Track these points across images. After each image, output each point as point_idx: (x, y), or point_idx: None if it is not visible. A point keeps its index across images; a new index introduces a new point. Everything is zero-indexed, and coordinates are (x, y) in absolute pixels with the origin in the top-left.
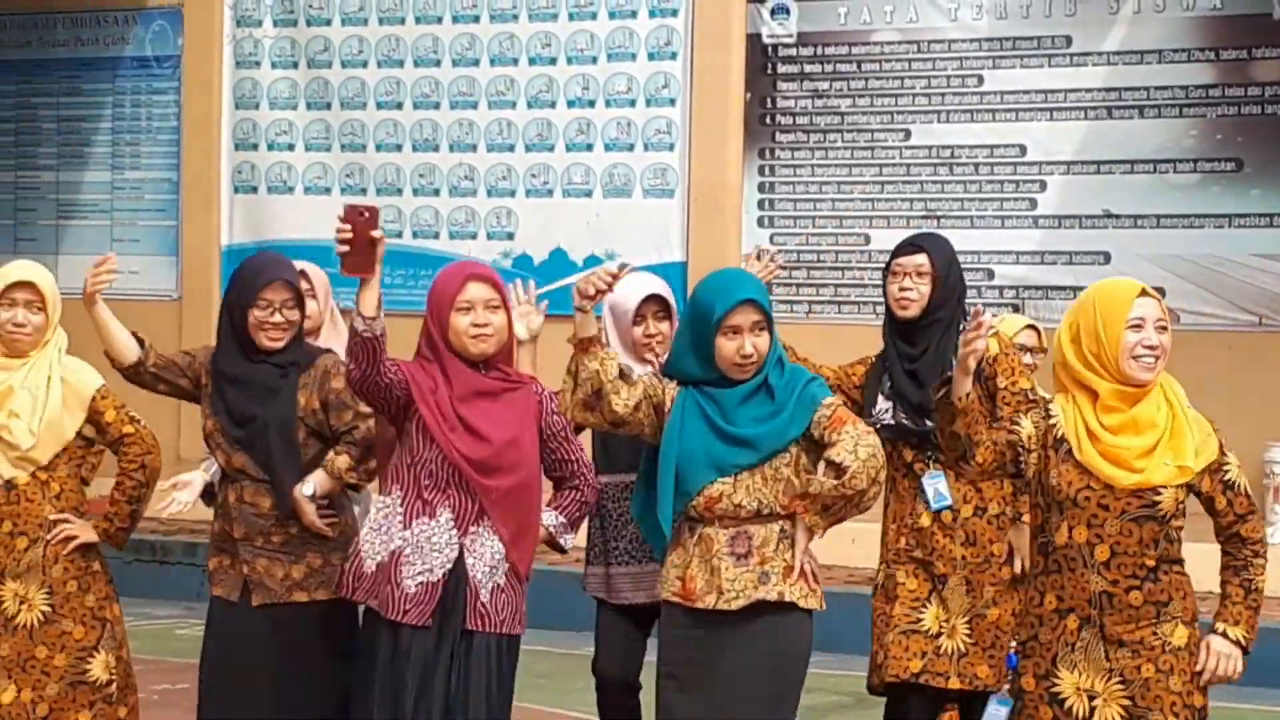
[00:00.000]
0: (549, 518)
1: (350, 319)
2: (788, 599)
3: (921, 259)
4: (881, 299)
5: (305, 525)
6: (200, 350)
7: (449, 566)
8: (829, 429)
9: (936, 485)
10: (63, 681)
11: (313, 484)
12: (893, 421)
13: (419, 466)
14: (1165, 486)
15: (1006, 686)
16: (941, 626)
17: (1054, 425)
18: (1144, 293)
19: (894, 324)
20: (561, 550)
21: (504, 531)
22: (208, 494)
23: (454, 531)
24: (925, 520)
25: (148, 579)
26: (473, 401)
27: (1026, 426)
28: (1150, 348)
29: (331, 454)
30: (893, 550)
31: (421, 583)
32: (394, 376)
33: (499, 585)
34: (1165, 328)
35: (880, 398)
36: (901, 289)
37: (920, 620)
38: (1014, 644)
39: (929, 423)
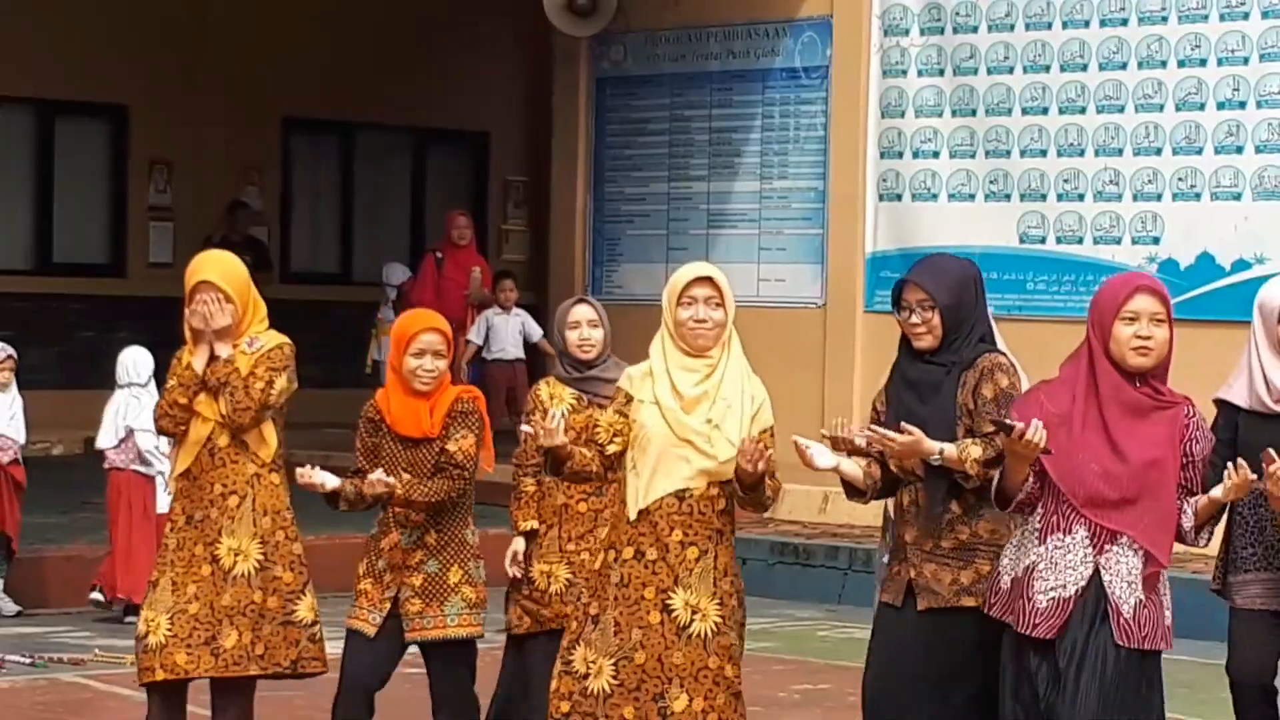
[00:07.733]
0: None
1: None
2: None
3: None
4: None
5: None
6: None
7: (1082, 584)
8: None
9: None
10: (728, 691)
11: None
12: None
13: (1054, 483)
14: None
15: None
16: None
17: None
18: None
19: None
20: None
21: (1145, 550)
22: None
23: (1089, 550)
24: None
25: (789, 580)
26: (1117, 414)
27: None
28: None
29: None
30: None
31: (1053, 598)
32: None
33: (1141, 600)
34: None
35: None
36: None
37: None
38: None
39: None
